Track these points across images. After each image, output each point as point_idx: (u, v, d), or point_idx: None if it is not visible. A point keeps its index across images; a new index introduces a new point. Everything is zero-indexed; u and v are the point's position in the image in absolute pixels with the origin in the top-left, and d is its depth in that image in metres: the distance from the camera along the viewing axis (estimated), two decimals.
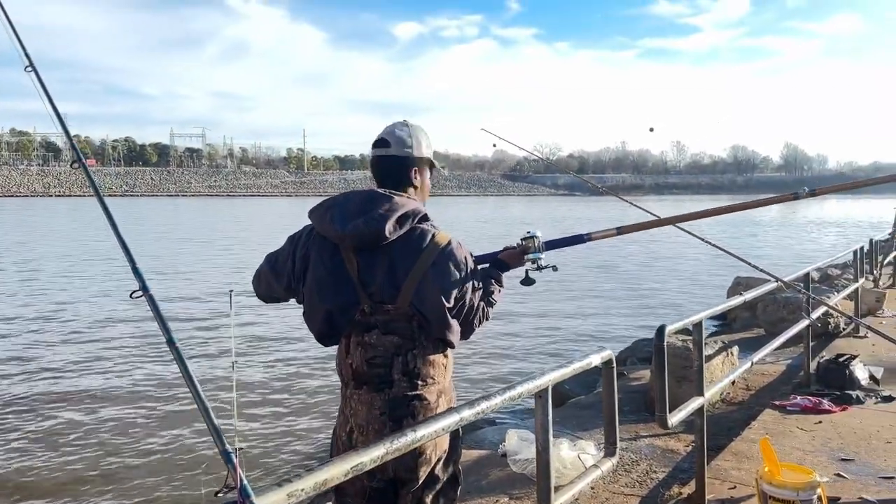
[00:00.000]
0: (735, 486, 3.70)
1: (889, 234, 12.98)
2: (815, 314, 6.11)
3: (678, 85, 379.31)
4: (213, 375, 8.64)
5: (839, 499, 3.46)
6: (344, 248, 1.97)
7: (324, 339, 2.05)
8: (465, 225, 42.16)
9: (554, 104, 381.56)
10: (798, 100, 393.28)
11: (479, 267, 2.27)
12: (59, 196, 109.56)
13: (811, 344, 5.89)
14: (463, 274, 1.98)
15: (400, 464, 1.93)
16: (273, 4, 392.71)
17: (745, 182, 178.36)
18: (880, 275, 10.81)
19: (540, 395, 2.17)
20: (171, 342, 1.48)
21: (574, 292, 15.83)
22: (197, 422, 6.61)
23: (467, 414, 1.83)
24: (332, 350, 2.10)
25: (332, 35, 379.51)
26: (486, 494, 3.75)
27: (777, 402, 5.18)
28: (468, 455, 4.30)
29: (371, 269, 1.96)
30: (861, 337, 7.41)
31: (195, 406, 1.41)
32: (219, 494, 1.31)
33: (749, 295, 4.69)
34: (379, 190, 2.02)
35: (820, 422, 4.73)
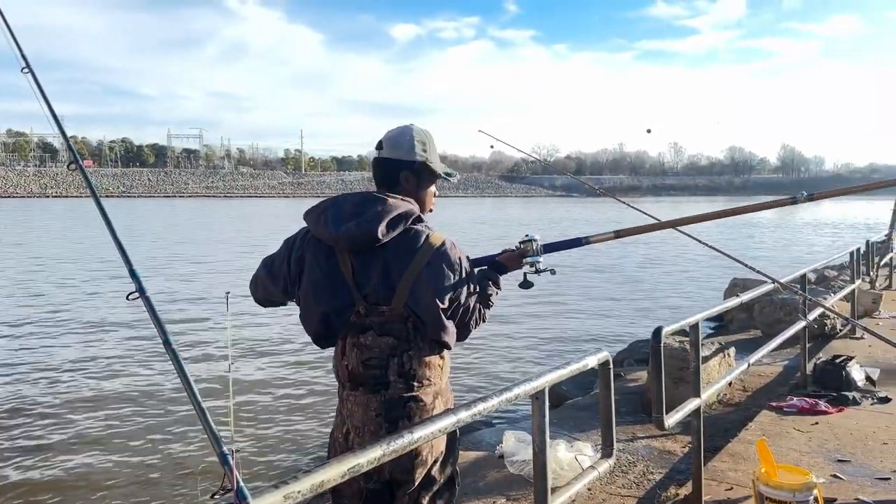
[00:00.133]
0: (732, 488, 3.70)
1: (885, 236, 12.99)
2: (812, 315, 6.12)
3: (676, 86, 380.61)
4: (209, 377, 8.62)
5: (835, 500, 3.47)
6: (339, 250, 1.97)
7: (320, 340, 2.06)
8: (461, 226, 42.17)
9: (552, 106, 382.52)
10: (795, 101, 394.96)
11: (478, 269, 2.27)
12: (55, 197, 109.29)
13: (808, 345, 5.90)
14: (457, 275, 1.98)
15: (396, 465, 1.93)
16: (270, 6, 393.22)
17: (743, 183, 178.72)
18: (877, 276, 10.84)
19: (536, 396, 2.18)
20: (167, 344, 1.48)
21: (571, 294, 15.84)
22: (193, 423, 6.61)
23: (464, 415, 1.83)
24: (329, 351, 2.11)
25: (329, 36, 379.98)
26: (484, 496, 3.75)
27: (774, 404, 5.19)
28: (465, 456, 4.30)
29: (366, 271, 1.96)
30: (857, 338, 7.43)
31: (192, 408, 1.40)
32: (215, 496, 1.31)
33: (745, 296, 4.70)
34: (373, 192, 2.03)
35: (816, 423, 4.74)
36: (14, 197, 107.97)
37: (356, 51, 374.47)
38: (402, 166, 2.06)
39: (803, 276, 5.95)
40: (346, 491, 2.04)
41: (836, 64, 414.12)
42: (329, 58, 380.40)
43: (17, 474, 5.91)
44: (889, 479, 3.77)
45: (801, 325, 5.70)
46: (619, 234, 2.63)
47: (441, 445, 2.06)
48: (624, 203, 3.98)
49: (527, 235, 2.39)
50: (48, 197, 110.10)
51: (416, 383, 1.98)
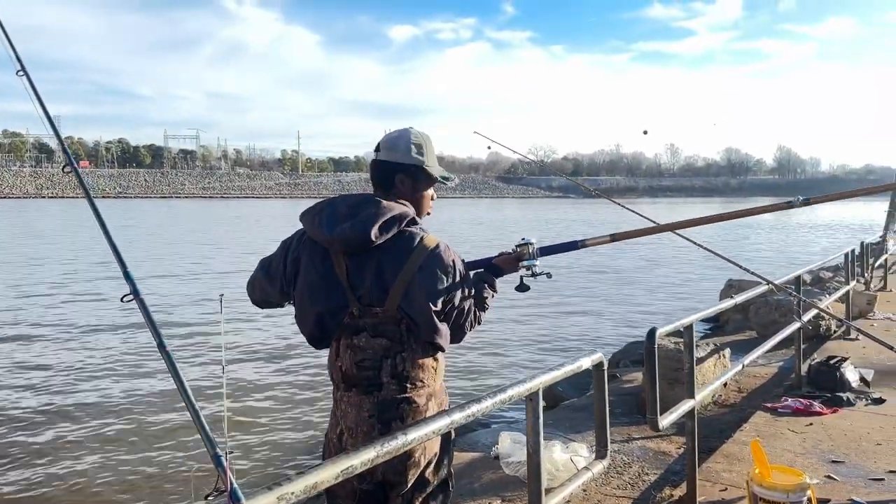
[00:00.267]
0: (726, 489, 3.71)
1: (880, 237, 13.06)
2: (807, 317, 6.14)
3: (672, 88, 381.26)
4: (203, 379, 8.62)
5: (829, 500, 3.49)
6: (333, 251, 1.98)
7: (315, 341, 2.07)
8: (458, 227, 42.18)
9: (549, 107, 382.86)
10: (792, 103, 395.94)
11: (474, 272, 2.28)
12: (51, 198, 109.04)
13: (802, 346, 5.92)
14: (451, 277, 1.99)
15: (388, 467, 1.93)
16: (267, 7, 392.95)
17: (739, 185, 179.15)
18: (871, 277, 10.87)
19: (531, 398, 2.18)
20: (161, 346, 1.48)
21: (567, 295, 15.85)
22: (187, 425, 6.59)
23: (457, 417, 1.83)
24: (324, 353, 2.12)
25: (326, 37, 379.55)
26: (479, 497, 3.75)
27: (768, 405, 5.21)
28: (461, 458, 4.31)
29: (360, 273, 1.97)
30: (852, 339, 7.45)
31: (186, 409, 1.41)
32: (209, 497, 1.31)
33: (740, 298, 4.72)
34: (368, 194, 2.04)
35: (811, 424, 4.76)
36: (10, 197, 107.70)
37: (353, 52, 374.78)
38: (397, 169, 2.07)
39: (798, 278, 5.98)
40: (340, 492, 2.04)
41: (832, 66, 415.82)
42: (326, 59, 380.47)
43: (12, 476, 5.90)
44: (883, 479, 3.79)
45: (795, 326, 5.72)
46: (615, 238, 2.63)
47: (435, 447, 2.06)
48: (619, 204, 4.00)
49: (523, 239, 2.40)
50: (44, 198, 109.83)
51: (409, 385, 1.98)
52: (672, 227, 2.82)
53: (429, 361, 2.03)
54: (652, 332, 3.24)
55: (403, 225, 1.97)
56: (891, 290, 11.18)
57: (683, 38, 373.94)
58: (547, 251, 2.47)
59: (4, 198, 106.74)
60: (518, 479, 3.83)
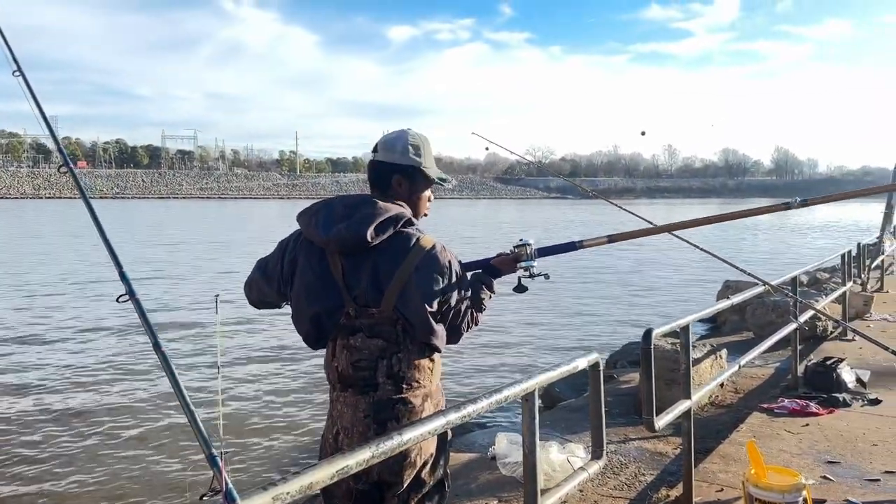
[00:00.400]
0: (722, 489, 3.72)
1: (877, 238, 13.08)
2: (804, 318, 6.16)
3: (670, 89, 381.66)
4: (199, 379, 8.62)
5: (825, 501, 3.49)
6: (330, 252, 1.99)
7: (311, 342, 2.07)
8: (456, 228, 42.17)
9: (547, 108, 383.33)
10: (789, 104, 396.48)
11: (472, 273, 2.28)
12: (49, 198, 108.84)
13: (799, 347, 5.93)
14: (447, 278, 1.99)
15: (384, 467, 1.93)
16: (265, 7, 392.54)
17: (737, 186, 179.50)
18: (868, 279, 10.89)
19: (527, 398, 2.18)
20: (157, 346, 1.48)
21: (565, 296, 15.87)
22: (183, 425, 6.59)
23: (453, 417, 1.84)
24: (320, 353, 2.12)
25: (324, 38, 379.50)
26: (475, 497, 3.75)
27: (765, 405, 5.22)
28: (457, 458, 4.31)
29: (356, 273, 1.97)
30: (848, 340, 7.46)
31: (181, 410, 1.41)
32: (204, 497, 1.31)
33: (736, 298, 4.73)
34: (365, 195, 2.04)
35: (807, 424, 4.77)
36: (7, 198, 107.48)
37: (352, 52, 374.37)
38: (394, 170, 2.07)
39: (795, 279, 5.98)
40: (337, 491, 2.04)
41: (830, 67, 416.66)
42: (325, 59, 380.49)
43: (8, 476, 5.89)
44: (878, 480, 3.79)
45: (792, 327, 5.73)
46: (612, 239, 2.63)
47: (431, 447, 2.06)
48: (617, 206, 4.01)
49: (521, 240, 2.40)
50: (41, 198, 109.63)
51: (405, 385, 1.99)
52: (670, 229, 2.82)
53: (425, 362, 2.04)
54: (648, 333, 3.24)
55: (400, 226, 1.97)
56: (887, 292, 11.20)
57: (681, 39, 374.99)
58: (545, 252, 2.47)
59: (2, 198, 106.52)
60: (515, 480, 3.83)
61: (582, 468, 2.63)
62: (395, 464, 1.95)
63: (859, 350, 6.91)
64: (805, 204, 2.57)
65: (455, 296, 2.03)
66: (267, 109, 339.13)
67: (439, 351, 2.07)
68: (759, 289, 5.01)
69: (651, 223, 2.98)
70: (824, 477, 3.83)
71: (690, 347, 3.73)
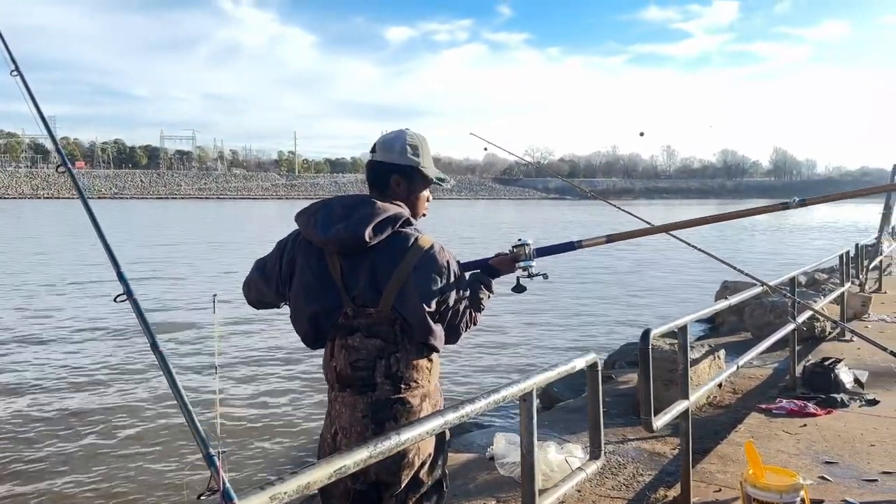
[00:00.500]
0: (720, 489, 3.72)
1: (875, 239, 13.08)
2: (802, 318, 6.16)
3: (668, 90, 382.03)
4: (197, 379, 8.61)
5: (822, 501, 3.50)
6: (328, 252, 1.99)
7: (310, 341, 2.07)
8: (454, 229, 42.17)
9: (545, 108, 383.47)
10: (787, 105, 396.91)
11: (470, 273, 2.28)
12: (47, 198, 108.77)
13: (797, 348, 5.94)
14: (445, 278, 1.99)
15: (382, 467, 1.93)
16: (264, 8, 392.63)
17: (735, 186, 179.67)
18: (866, 279, 10.91)
19: (524, 398, 2.18)
20: (154, 346, 1.48)
21: (563, 296, 15.88)
22: (180, 425, 6.58)
23: (451, 417, 1.84)
24: (318, 353, 2.12)
25: (322, 38, 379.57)
26: (473, 498, 3.75)
27: (763, 406, 5.22)
28: (455, 458, 4.31)
29: (354, 273, 1.97)
30: (846, 341, 7.47)
31: (178, 409, 1.41)
32: (201, 497, 1.31)
33: (734, 299, 4.73)
34: (364, 195, 2.04)
35: (805, 425, 4.77)
36: (5, 198, 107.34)
37: (350, 53, 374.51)
38: (393, 170, 2.07)
39: (793, 279, 5.99)
40: (335, 491, 2.04)
41: (828, 68, 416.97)
42: (323, 60, 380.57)
43: (5, 476, 5.88)
44: (876, 480, 3.80)
45: (790, 327, 5.74)
46: (611, 239, 2.63)
47: (429, 447, 2.06)
48: (614, 206, 4.02)
49: (520, 240, 2.40)
50: (40, 198, 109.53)
51: (403, 385, 1.98)
52: (668, 228, 2.83)
53: (423, 362, 2.03)
54: (646, 333, 3.25)
55: (398, 226, 1.97)
56: (885, 292, 11.22)
57: (679, 40, 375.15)
58: (543, 252, 2.47)
59: (0, 198, 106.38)
60: (513, 480, 3.83)
61: (580, 468, 2.63)
62: (392, 464, 1.95)
63: (857, 351, 6.91)
64: (803, 204, 2.57)
65: (453, 296, 2.03)
66: (265, 110, 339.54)
67: (437, 351, 2.07)
68: (758, 289, 5.02)
69: (649, 224, 2.98)
70: (822, 477, 3.84)
71: (688, 348, 3.73)
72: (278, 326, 11.20)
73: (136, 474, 5.93)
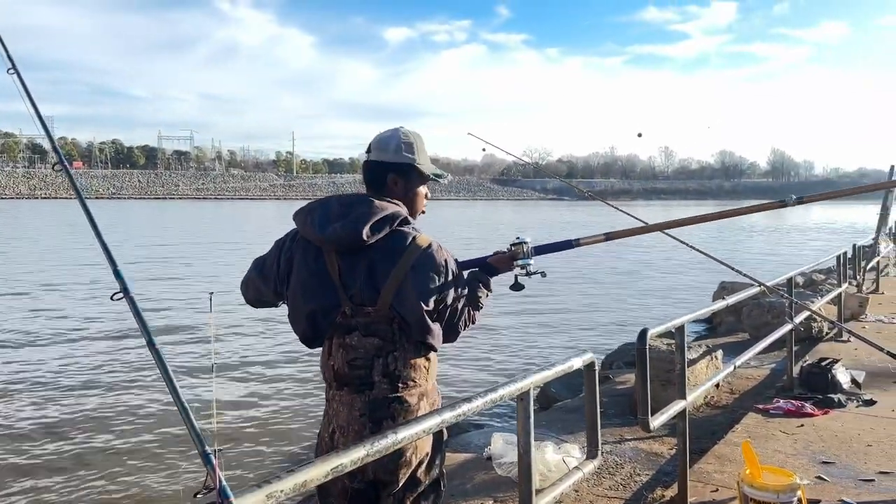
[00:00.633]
0: (717, 489, 3.72)
1: (872, 240, 13.10)
2: (799, 318, 6.17)
3: (667, 91, 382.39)
4: (193, 377, 8.60)
5: (819, 501, 3.50)
6: (326, 251, 1.99)
7: (307, 340, 2.07)
8: (452, 229, 42.17)
9: (544, 109, 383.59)
10: (785, 106, 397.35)
11: (468, 271, 2.28)
12: (45, 198, 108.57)
13: (794, 348, 5.95)
14: (443, 277, 1.99)
15: (379, 466, 1.93)
16: (262, 8, 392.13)
17: (733, 187, 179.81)
18: (863, 280, 10.92)
19: (521, 397, 2.18)
20: (150, 344, 1.48)
21: (561, 296, 15.88)
22: (177, 423, 6.57)
23: (448, 416, 1.83)
24: (316, 352, 2.12)
25: (321, 39, 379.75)
26: (471, 497, 3.75)
27: (760, 406, 5.23)
28: (453, 458, 4.31)
29: (352, 272, 1.97)
30: (844, 341, 7.48)
31: (175, 407, 1.41)
32: (198, 495, 1.31)
33: (732, 299, 4.74)
34: (361, 194, 2.04)
35: (802, 425, 4.78)
36: (3, 198, 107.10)
37: (348, 53, 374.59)
38: (389, 168, 2.07)
39: (790, 280, 6.00)
40: (333, 489, 2.04)
41: (826, 69, 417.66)
42: (321, 60, 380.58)
43: (3, 476, 5.87)
44: (873, 480, 3.80)
45: (787, 328, 5.74)
46: (609, 237, 2.65)
47: (426, 447, 2.06)
48: (612, 206, 4.02)
49: (518, 238, 2.40)
50: (37, 198, 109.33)
51: (400, 384, 1.98)
52: (665, 227, 2.84)
53: (421, 361, 2.03)
54: (643, 333, 3.25)
55: (396, 224, 1.97)
56: (882, 293, 11.24)
57: (678, 41, 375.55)
58: (541, 250, 2.47)
59: None
60: (510, 480, 3.83)
61: (577, 468, 2.62)
62: (390, 462, 1.95)
63: (854, 351, 6.93)
64: (801, 201, 2.58)
65: (451, 294, 2.03)
66: (263, 110, 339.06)
67: (435, 350, 2.07)
68: (755, 290, 5.02)
69: (647, 223, 2.98)
70: (819, 477, 3.84)
71: (686, 348, 3.73)
72: (276, 325, 11.19)
73: (133, 473, 5.92)
